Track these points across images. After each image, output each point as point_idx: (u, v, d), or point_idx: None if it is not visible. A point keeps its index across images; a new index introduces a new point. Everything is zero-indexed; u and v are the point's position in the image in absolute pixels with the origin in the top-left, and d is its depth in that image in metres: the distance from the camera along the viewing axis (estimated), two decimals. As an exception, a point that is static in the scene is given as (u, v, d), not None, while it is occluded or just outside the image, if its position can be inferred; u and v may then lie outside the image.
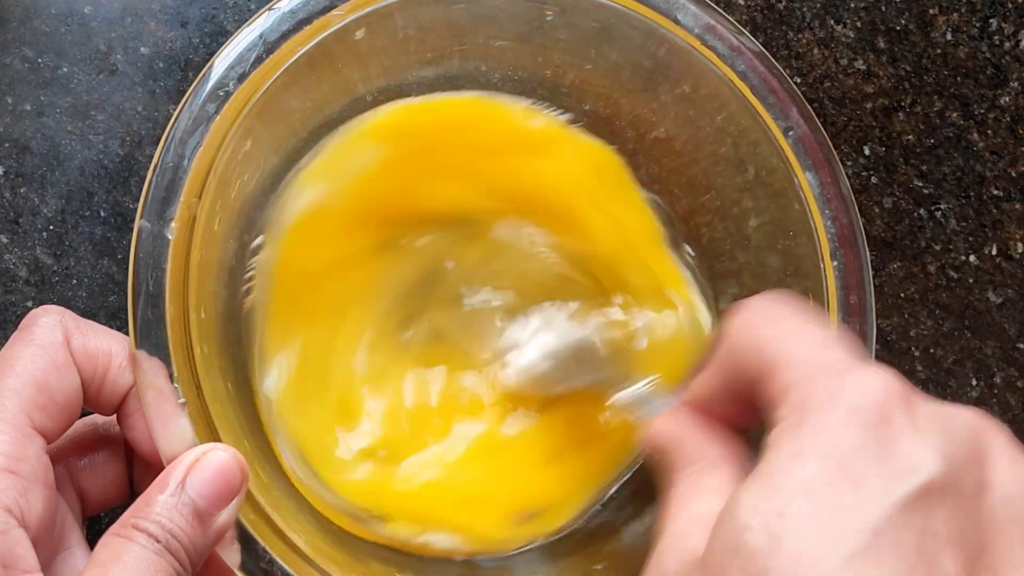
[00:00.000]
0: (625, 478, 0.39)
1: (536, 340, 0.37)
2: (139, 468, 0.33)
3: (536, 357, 0.37)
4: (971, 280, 0.43)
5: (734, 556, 0.21)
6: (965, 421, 0.22)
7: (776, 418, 0.23)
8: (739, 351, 0.25)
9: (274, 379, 0.36)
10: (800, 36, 0.43)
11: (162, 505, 0.27)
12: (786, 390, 0.23)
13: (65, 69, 0.41)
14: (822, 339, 0.24)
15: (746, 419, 0.27)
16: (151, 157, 0.32)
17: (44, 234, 0.40)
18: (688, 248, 0.39)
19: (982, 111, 0.43)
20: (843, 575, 0.20)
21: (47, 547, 0.29)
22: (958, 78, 0.43)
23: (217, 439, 0.31)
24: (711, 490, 0.25)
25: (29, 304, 0.40)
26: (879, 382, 0.22)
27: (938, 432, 0.21)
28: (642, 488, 0.38)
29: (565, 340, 0.37)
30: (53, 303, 0.31)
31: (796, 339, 0.24)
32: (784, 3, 0.43)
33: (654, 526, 0.36)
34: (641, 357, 0.37)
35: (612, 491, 0.39)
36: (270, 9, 0.33)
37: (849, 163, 0.43)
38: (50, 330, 0.30)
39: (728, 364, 0.26)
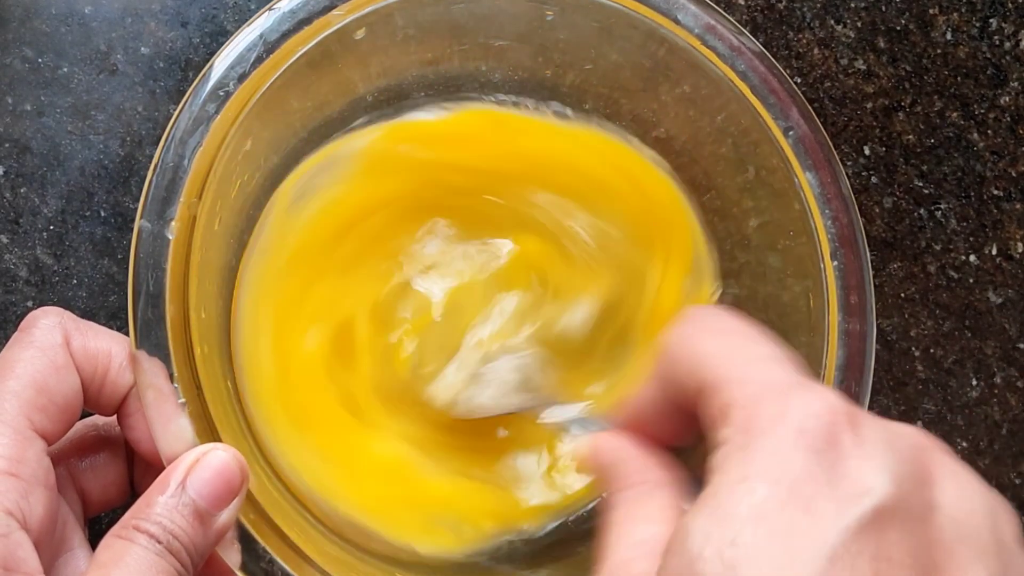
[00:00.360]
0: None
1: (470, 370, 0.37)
2: (140, 468, 0.33)
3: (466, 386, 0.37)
4: (971, 280, 0.43)
5: None
6: (909, 440, 0.22)
7: (720, 438, 0.22)
8: (678, 365, 0.24)
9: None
10: (800, 36, 0.43)
11: (163, 506, 0.27)
12: (729, 409, 0.22)
13: (65, 69, 0.41)
14: (765, 356, 0.23)
15: (682, 437, 0.27)
16: (151, 157, 0.32)
17: (44, 234, 0.40)
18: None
19: (982, 111, 0.43)
20: None
21: (49, 549, 0.29)
22: (958, 78, 0.43)
23: (217, 439, 0.31)
24: (652, 514, 0.24)
25: (29, 304, 0.40)
26: (824, 403, 0.21)
27: (885, 452, 0.21)
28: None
29: (502, 368, 0.37)
30: (53, 303, 0.31)
31: (738, 355, 0.23)
32: (784, 3, 0.43)
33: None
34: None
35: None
36: (270, 9, 0.33)
37: (849, 163, 0.43)
38: (50, 332, 0.30)
39: (666, 379, 0.25)
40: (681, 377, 0.24)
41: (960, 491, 0.21)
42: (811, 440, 0.21)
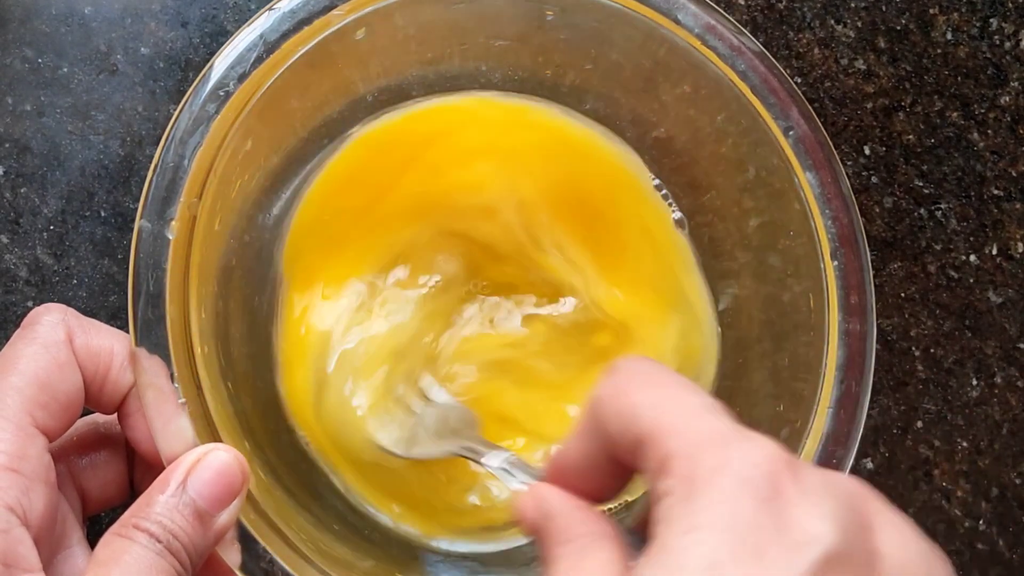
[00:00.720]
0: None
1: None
2: (140, 468, 0.33)
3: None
4: (971, 280, 0.43)
5: None
6: (847, 487, 0.22)
7: (662, 490, 0.22)
8: (611, 418, 0.24)
9: None
10: (800, 36, 0.43)
11: (163, 505, 0.27)
12: (669, 460, 0.22)
13: (65, 69, 0.41)
14: (700, 406, 0.23)
15: (608, 490, 0.26)
16: (151, 157, 0.32)
17: (44, 234, 0.40)
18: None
19: (982, 111, 0.43)
20: None
21: (48, 546, 0.29)
22: (958, 78, 0.43)
23: (217, 439, 0.31)
24: (595, 569, 0.24)
25: (29, 304, 0.40)
26: (764, 452, 0.21)
27: (827, 499, 0.21)
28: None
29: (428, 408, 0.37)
30: (54, 303, 0.31)
31: (673, 406, 0.23)
32: (784, 3, 0.43)
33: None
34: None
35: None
36: (270, 9, 0.33)
37: (849, 163, 0.43)
38: (52, 328, 0.30)
39: (596, 432, 0.25)
40: (614, 430, 0.24)
41: (899, 539, 0.21)
42: (755, 489, 0.21)
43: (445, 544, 0.38)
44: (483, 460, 0.32)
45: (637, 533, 0.25)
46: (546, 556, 0.25)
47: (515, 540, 0.38)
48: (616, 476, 0.25)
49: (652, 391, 0.24)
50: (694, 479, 0.21)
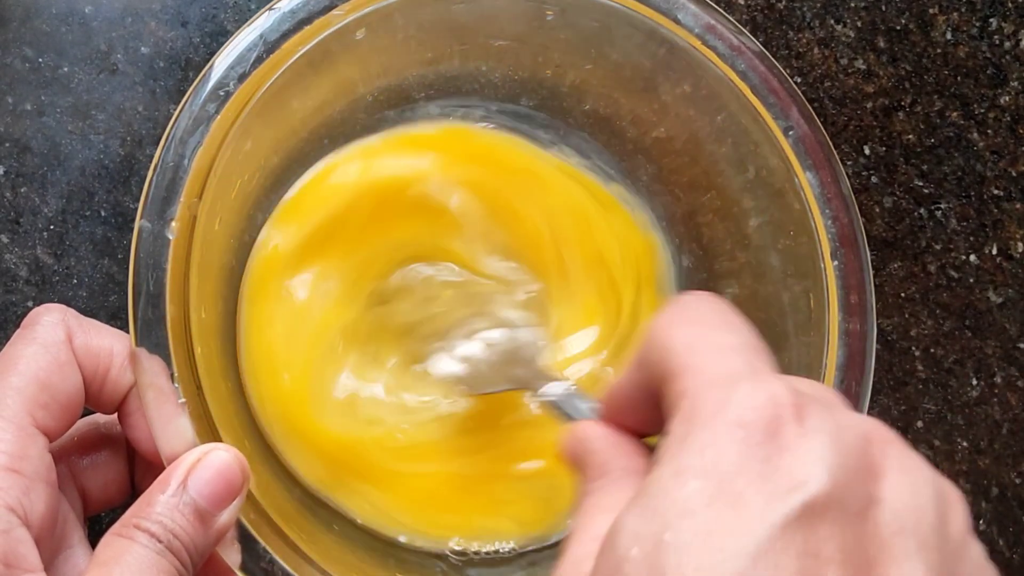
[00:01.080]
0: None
1: (458, 346, 0.37)
2: (140, 467, 0.33)
3: (454, 362, 0.37)
4: (972, 280, 0.43)
5: None
6: (858, 431, 0.21)
7: (666, 430, 0.22)
8: (650, 352, 0.24)
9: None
10: (800, 36, 0.43)
11: (163, 505, 0.27)
12: (680, 399, 0.22)
13: (66, 69, 0.41)
14: (725, 345, 0.23)
15: (656, 423, 0.25)
16: (151, 157, 0.32)
17: (45, 234, 0.40)
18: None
19: (982, 111, 0.43)
20: None
21: (49, 546, 0.29)
22: (958, 78, 0.43)
23: (218, 439, 0.31)
24: (612, 508, 0.23)
25: (29, 304, 0.40)
26: (768, 394, 0.21)
27: (827, 445, 0.20)
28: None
29: (486, 344, 0.37)
30: (53, 303, 0.31)
31: (702, 344, 0.23)
32: (784, 3, 0.43)
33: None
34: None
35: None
36: (270, 9, 0.33)
37: (849, 163, 0.43)
38: (52, 328, 0.30)
39: (641, 365, 0.24)
40: (650, 364, 0.24)
41: (907, 483, 0.21)
42: (747, 433, 0.20)
43: (448, 543, 0.38)
44: (542, 391, 0.32)
45: None
46: (580, 490, 0.25)
47: (515, 538, 0.38)
48: (657, 414, 0.25)
49: (689, 328, 0.23)
50: (691, 420, 0.21)
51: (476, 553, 0.38)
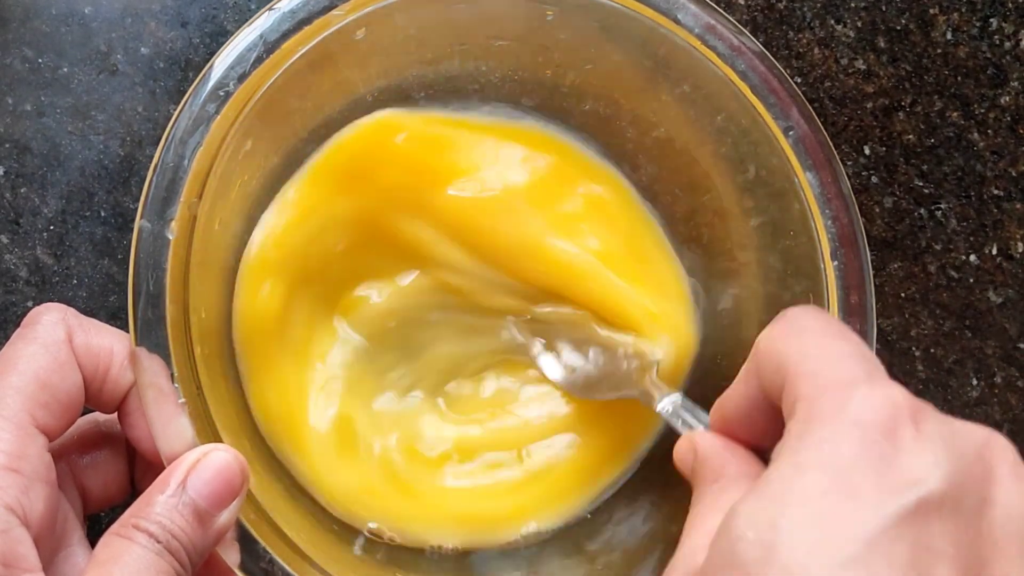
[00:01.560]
0: (628, 476, 0.39)
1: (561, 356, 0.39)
2: (140, 466, 0.33)
3: (562, 369, 0.38)
4: (971, 280, 0.43)
5: (729, 568, 0.21)
6: (974, 438, 0.22)
7: (785, 431, 0.23)
8: (764, 363, 0.25)
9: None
10: (800, 36, 0.43)
11: (163, 505, 0.27)
12: (797, 403, 0.23)
13: (65, 69, 0.41)
14: (840, 353, 0.24)
15: (769, 436, 0.27)
16: (151, 157, 0.32)
17: (45, 234, 0.40)
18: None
19: (982, 111, 0.43)
20: None
21: (48, 545, 0.29)
22: (958, 78, 0.43)
23: (217, 439, 0.31)
24: (726, 507, 0.24)
25: (29, 304, 0.40)
26: (887, 398, 0.22)
27: (943, 448, 0.21)
28: (644, 487, 0.38)
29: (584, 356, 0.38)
30: (53, 303, 0.31)
31: (817, 351, 0.24)
32: (784, 3, 0.43)
33: (655, 527, 0.36)
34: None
35: (615, 488, 0.39)
36: (270, 9, 0.33)
37: (849, 163, 0.43)
38: (52, 328, 0.30)
39: (754, 377, 0.26)
40: (767, 374, 0.25)
41: (1019, 490, 0.22)
42: (866, 432, 0.21)
43: (447, 542, 0.38)
44: (656, 405, 0.33)
45: None
46: (694, 495, 0.27)
47: (516, 535, 0.38)
48: (772, 425, 0.26)
49: (805, 338, 0.24)
50: (810, 420, 0.22)
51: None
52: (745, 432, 0.27)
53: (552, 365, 0.39)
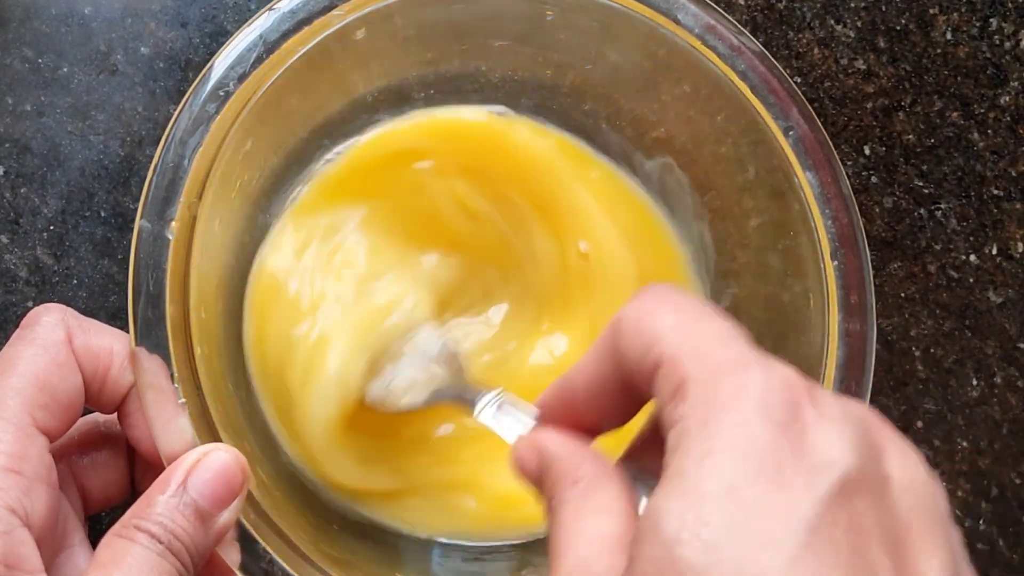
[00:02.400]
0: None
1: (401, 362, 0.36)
2: (141, 466, 0.33)
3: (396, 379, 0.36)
4: (971, 280, 0.43)
5: (670, 574, 0.20)
6: (860, 414, 0.22)
7: (676, 415, 0.22)
8: (630, 340, 0.24)
9: None
10: (800, 36, 0.43)
11: (163, 506, 0.27)
12: (685, 385, 0.22)
13: (65, 69, 0.41)
14: (718, 333, 0.23)
15: (613, 419, 0.26)
16: (151, 157, 0.32)
17: (44, 234, 0.40)
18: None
19: (982, 111, 0.43)
20: None
21: (50, 546, 0.29)
22: (958, 78, 0.43)
23: (217, 439, 0.31)
24: (600, 509, 0.23)
25: (29, 304, 0.40)
26: (783, 378, 0.21)
27: (844, 425, 0.21)
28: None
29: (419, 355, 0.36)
30: (53, 303, 0.31)
31: (695, 331, 0.23)
32: (784, 3, 0.43)
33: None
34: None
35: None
36: (270, 9, 0.33)
37: (849, 163, 0.43)
38: (52, 329, 0.30)
39: (613, 354, 0.24)
40: (633, 352, 0.23)
41: (906, 463, 0.22)
42: (773, 413, 0.21)
43: (444, 539, 0.38)
44: (475, 408, 0.31)
45: (633, 466, 0.25)
46: (550, 503, 0.25)
47: (516, 531, 0.38)
48: (624, 404, 0.25)
49: (676, 315, 0.23)
50: (710, 404, 0.21)
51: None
52: (590, 414, 0.26)
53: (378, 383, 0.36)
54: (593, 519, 0.23)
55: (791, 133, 0.34)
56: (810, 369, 0.33)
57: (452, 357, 0.36)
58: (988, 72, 0.44)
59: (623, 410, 0.25)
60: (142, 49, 0.41)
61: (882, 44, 0.43)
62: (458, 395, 0.33)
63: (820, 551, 0.19)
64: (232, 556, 0.30)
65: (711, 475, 0.20)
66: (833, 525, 0.20)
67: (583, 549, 0.23)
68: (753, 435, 0.20)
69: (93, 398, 0.31)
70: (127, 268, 0.31)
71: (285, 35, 0.33)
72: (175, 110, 0.32)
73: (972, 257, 0.43)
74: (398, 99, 0.38)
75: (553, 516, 0.24)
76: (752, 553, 0.19)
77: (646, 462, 0.25)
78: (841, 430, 0.21)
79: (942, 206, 0.43)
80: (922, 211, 0.43)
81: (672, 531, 0.20)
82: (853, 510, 0.20)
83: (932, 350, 0.43)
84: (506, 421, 0.30)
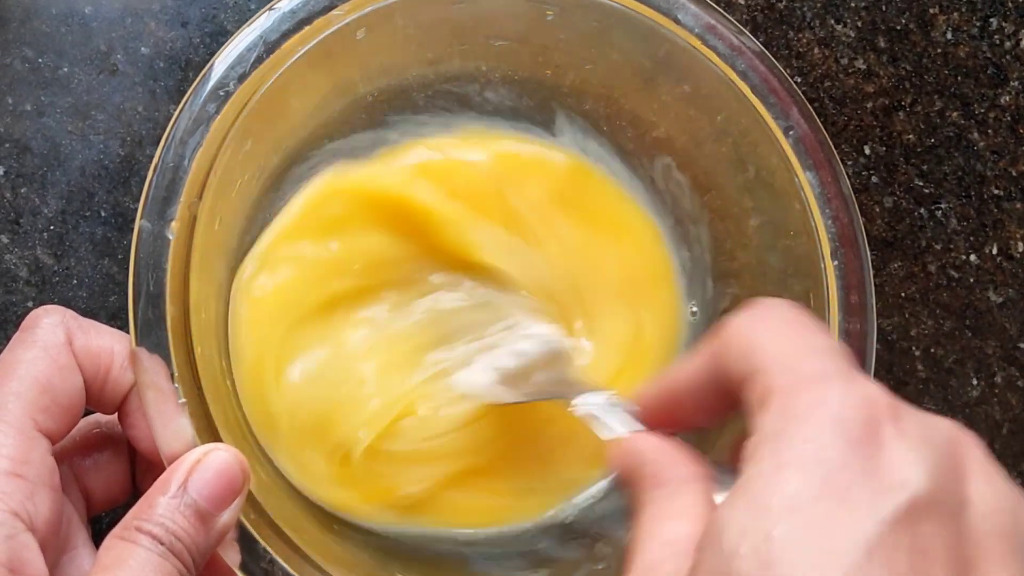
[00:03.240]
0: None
1: (484, 358, 0.37)
2: (141, 466, 0.33)
3: (484, 374, 0.37)
4: (972, 279, 0.43)
5: None
6: (946, 434, 0.22)
7: (756, 426, 0.22)
8: (729, 348, 0.24)
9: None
10: (800, 36, 0.43)
11: (164, 507, 0.27)
12: (768, 396, 0.22)
13: (65, 69, 0.41)
14: (814, 348, 0.23)
15: (711, 419, 0.26)
16: (151, 157, 0.32)
17: (45, 234, 0.40)
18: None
19: (982, 110, 0.43)
20: None
21: (53, 549, 0.29)
22: (958, 77, 0.43)
23: (218, 439, 0.31)
24: (682, 511, 0.24)
25: (29, 304, 0.40)
26: (865, 394, 0.21)
27: (923, 446, 0.21)
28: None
29: (518, 354, 0.37)
30: (53, 303, 0.31)
31: (789, 344, 0.23)
32: (784, 3, 0.43)
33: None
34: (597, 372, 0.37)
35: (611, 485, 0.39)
36: (270, 9, 0.33)
37: (849, 163, 0.43)
38: (52, 331, 0.30)
39: (714, 359, 0.25)
40: (731, 361, 0.24)
41: (990, 487, 0.21)
42: (848, 430, 0.21)
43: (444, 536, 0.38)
44: (578, 402, 0.31)
45: (728, 470, 0.25)
46: (637, 502, 0.25)
47: (515, 526, 0.38)
48: (718, 406, 0.26)
49: (774, 328, 0.24)
50: (787, 416, 0.21)
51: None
52: (687, 413, 0.27)
53: (473, 373, 0.37)
54: (672, 522, 0.24)
55: (791, 133, 0.34)
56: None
57: (557, 354, 0.36)
58: (988, 72, 0.44)
59: (715, 411, 0.26)
60: (142, 49, 0.41)
61: (882, 44, 0.43)
62: (565, 392, 0.33)
63: (873, 573, 0.19)
64: (232, 556, 0.30)
65: (777, 489, 0.20)
66: (894, 548, 0.20)
67: (657, 551, 0.23)
68: (824, 451, 0.20)
69: (94, 399, 0.30)
70: (127, 268, 0.31)
71: (285, 35, 0.33)
72: (175, 110, 0.32)
73: (972, 257, 0.43)
74: (398, 99, 0.38)
75: (637, 516, 0.25)
76: (806, 573, 0.19)
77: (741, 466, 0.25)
78: (919, 450, 0.21)
79: (942, 206, 0.43)
80: (922, 211, 0.43)
81: (732, 543, 0.20)
82: (919, 532, 0.20)
83: (932, 350, 0.43)
84: (610, 420, 0.30)
